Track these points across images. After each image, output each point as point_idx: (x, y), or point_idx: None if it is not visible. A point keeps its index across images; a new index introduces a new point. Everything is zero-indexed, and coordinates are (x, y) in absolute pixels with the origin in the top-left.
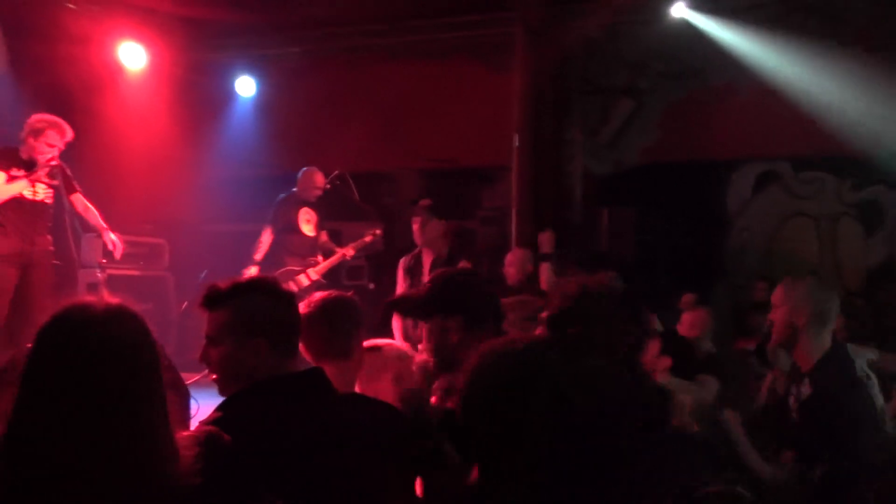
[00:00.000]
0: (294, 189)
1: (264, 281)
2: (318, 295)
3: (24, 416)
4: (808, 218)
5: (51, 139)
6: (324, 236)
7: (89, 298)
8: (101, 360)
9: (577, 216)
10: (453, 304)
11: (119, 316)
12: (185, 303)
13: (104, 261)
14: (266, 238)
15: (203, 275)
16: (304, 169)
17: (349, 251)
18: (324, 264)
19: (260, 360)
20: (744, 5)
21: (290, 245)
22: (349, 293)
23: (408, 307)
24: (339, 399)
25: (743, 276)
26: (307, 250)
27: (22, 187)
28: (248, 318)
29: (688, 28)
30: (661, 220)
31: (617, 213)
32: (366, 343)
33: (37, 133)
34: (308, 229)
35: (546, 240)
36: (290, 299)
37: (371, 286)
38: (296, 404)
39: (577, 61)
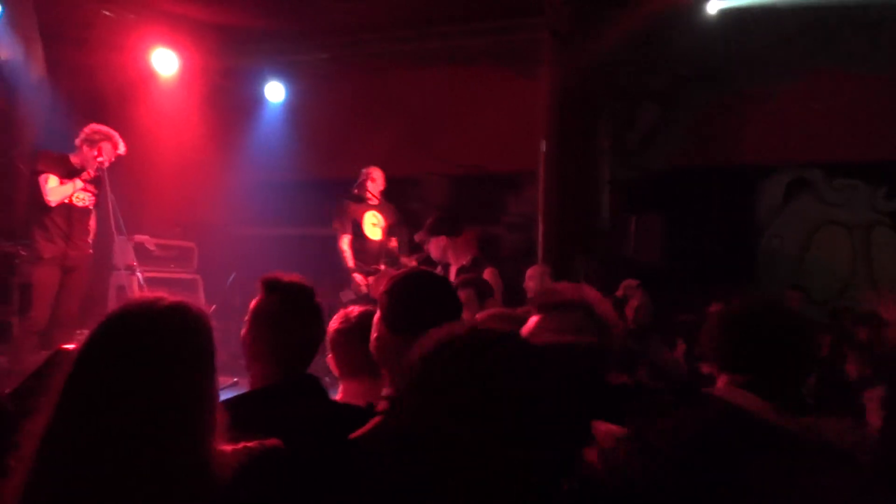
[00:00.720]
0: (355, 191)
1: (284, 283)
2: (355, 310)
3: (73, 407)
4: (840, 226)
5: (104, 151)
6: (393, 242)
7: (151, 295)
8: (162, 351)
9: (604, 223)
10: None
11: (182, 311)
12: (214, 306)
13: (135, 263)
14: (346, 245)
15: (231, 277)
16: (364, 169)
17: (413, 262)
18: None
19: (261, 361)
20: None
21: (353, 250)
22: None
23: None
24: (328, 409)
25: (774, 284)
26: (371, 256)
27: (72, 190)
28: (256, 317)
29: (717, 33)
30: (690, 227)
31: (644, 220)
32: None
33: (92, 143)
34: (374, 233)
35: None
36: (297, 306)
37: None
38: (282, 411)
39: (605, 66)
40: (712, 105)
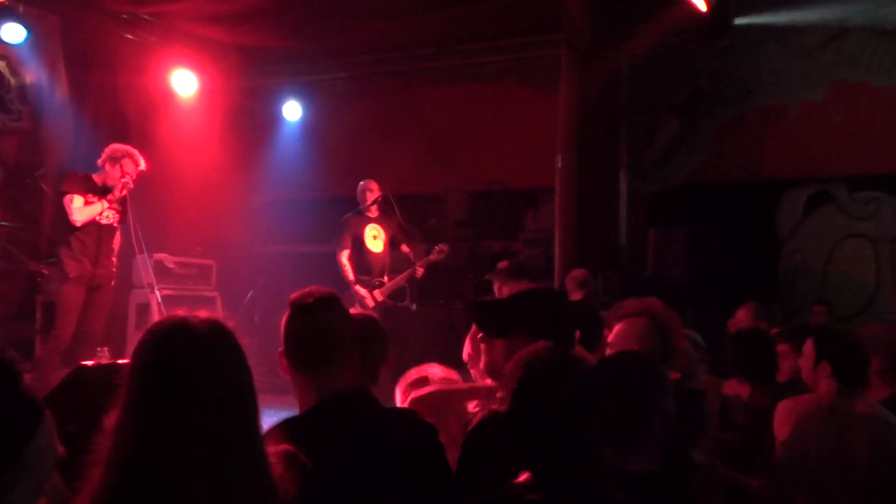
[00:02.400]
0: (359, 207)
1: (296, 295)
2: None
3: (134, 430)
4: (864, 239)
5: (126, 167)
6: (405, 248)
7: (182, 313)
8: (206, 370)
9: (622, 238)
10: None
11: (217, 328)
12: (232, 323)
13: (154, 281)
14: (345, 259)
15: (249, 295)
16: (361, 182)
17: (419, 269)
18: (389, 284)
19: (294, 380)
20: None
21: (356, 263)
22: (373, 315)
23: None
24: (376, 422)
25: (797, 299)
26: (375, 269)
27: (99, 209)
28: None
29: (738, 46)
30: (711, 241)
31: (664, 235)
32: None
33: (114, 161)
34: (376, 246)
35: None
36: (308, 311)
37: (413, 307)
38: (331, 430)
39: (625, 81)
40: (733, 119)
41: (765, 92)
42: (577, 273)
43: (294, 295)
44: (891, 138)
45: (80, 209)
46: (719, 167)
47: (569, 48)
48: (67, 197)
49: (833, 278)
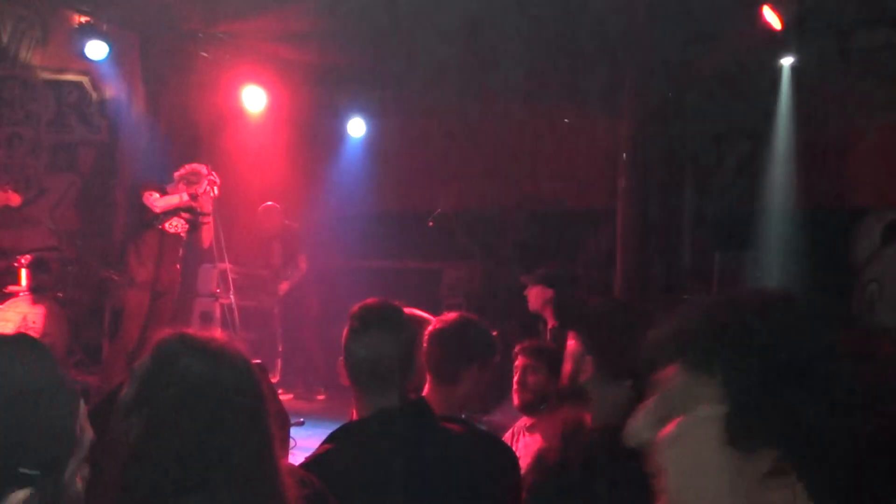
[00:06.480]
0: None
1: (354, 309)
2: (450, 316)
3: (132, 446)
4: None
5: (199, 189)
6: None
7: (191, 331)
8: (199, 395)
9: (686, 260)
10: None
11: (220, 353)
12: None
13: (218, 290)
14: None
15: (308, 308)
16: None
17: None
18: None
19: (352, 391)
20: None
21: None
22: (481, 320)
23: None
24: (432, 435)
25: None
26: None
27: (178, 201)
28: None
29: (811, 67)
30: (778, 268)
31: (729, 259)
32: None
33: (189, 184)
34: None
35: None
36: (365, 331)
37: None
38: (378, 441)
39: (692, 102)
40: (806, 143)
41: (840, 115)
42: None
43: (353, 309)
44: None
45: (159, 199)
46: (790, 192)
47: (632, 68)
48: (146, 193)
49: None
